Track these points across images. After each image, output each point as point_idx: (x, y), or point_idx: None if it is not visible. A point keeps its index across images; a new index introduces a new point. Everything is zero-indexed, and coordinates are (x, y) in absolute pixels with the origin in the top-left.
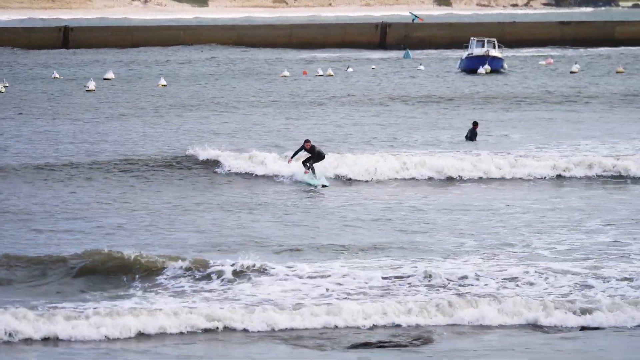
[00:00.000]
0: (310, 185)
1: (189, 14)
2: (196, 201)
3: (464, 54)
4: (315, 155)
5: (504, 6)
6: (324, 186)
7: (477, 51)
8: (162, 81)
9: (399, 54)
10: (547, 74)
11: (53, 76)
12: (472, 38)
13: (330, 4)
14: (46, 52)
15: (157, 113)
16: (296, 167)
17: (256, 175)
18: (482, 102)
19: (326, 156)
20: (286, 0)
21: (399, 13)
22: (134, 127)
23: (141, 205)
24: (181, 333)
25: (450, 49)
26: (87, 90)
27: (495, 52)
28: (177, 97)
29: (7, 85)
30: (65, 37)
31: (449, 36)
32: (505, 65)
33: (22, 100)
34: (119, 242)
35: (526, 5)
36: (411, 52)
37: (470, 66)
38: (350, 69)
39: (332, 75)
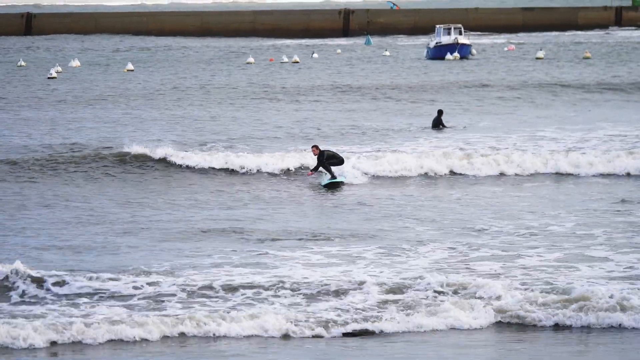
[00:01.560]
0: (330, 184)
1: (158, 2)
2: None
3: (430, 41)
4: (324, 162)
5: None
6: (337, 183)
7: (445, 39)
8: (129, 66)
9: (362, 40)
10: (515, 60)
11: (19, 64)
12: (438, 26)
13: None
14: (8, 38)
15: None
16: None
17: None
18: (455, 90)
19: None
20: None
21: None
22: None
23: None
24: None
25: (414, 35)
26: (49, 78)
27: (463, 39)
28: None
29: None
30: (28, 24)
31: (413, 22)
32: (474, 51)
33: None
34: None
35: None
36: (373, 40)
37: (438, 55)
38: (315, 55)
39: (297, 62)
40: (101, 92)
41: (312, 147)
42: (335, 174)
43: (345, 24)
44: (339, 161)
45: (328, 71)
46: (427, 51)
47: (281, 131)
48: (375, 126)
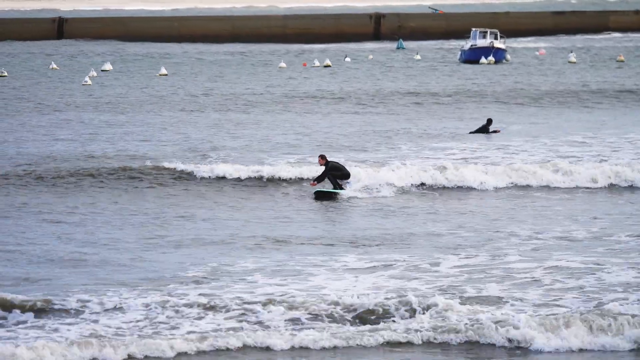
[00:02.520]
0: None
1: (185, 4)
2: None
3: (465, 44)
4: (329, 173)
5: None
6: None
7: (481, 42)
8: (163, 70)
9: (393, 44)
10: (548, 65)
11: (51, 67)
12: (473, 29)
13: None
14: (40, 42)
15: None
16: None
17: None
18: (496, 95)
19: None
20: None
21: (394, 4)
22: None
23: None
24: None
25: (444, 40)
26: (83, 85)
27: (498, 43)
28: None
29: (5, 74)
30: (60, 29)
31: (444, 27)
32: (508, 57)
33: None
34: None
35: None
36: (405, 43)
37: (473, 57)
38: (347, 59)
39: (329, 66)
40: (137, 97)
41: (319, 156)
42: (337, 187)
43: (376, 28)
44: (344, 174)
45: (362, 75)
46: (461, 54)
47: (344, 138)
48: (419, 131)
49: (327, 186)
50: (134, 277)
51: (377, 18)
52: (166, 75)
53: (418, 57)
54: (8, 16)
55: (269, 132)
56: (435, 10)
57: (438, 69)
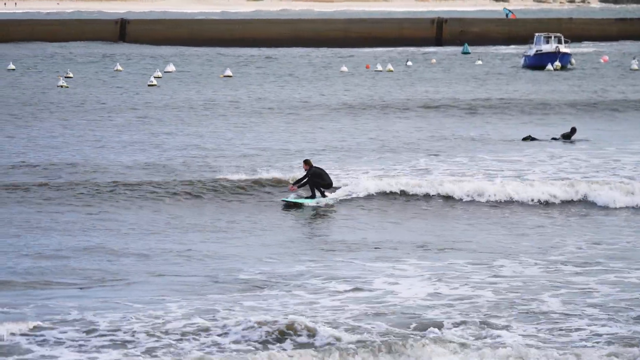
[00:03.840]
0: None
1: (246, 7)
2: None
3: (529, 50)
4: (311, 178)
5: (560, 2)
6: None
7: (546, 47)
8: (227, 72)
9: (456, 49)
10: (612, 70)
11: (115, 69)
12: (537, 34)
13: None
14: (104, 43)
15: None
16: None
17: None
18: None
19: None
20: None
21: (455, 9)
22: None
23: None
24: None
25: (506, 45)
26: (149, 85)
27: (564, 48)
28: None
29: (72, 76)
30: (122, 30)
31: (506, 32)
32: (573, 61)
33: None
34: None
35: (583, 2)
36: (470, 48)
37: (539, 63)
38: (409, 63)
39: (392, 71)
40: (208, 100)
41: (303, 161)
42: (315, 194)
43: (438, 33)
44: (327, 184)
45: (426, 80)
46: (525, 59)
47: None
48: (499, 137)
49: (302, 193)
50: None
51: (439, 23)
52: (230, 76)
53: (479, 62)
54: (70, 17)
55: (347, 137)
56: (509, 13)
57: (503, 74)
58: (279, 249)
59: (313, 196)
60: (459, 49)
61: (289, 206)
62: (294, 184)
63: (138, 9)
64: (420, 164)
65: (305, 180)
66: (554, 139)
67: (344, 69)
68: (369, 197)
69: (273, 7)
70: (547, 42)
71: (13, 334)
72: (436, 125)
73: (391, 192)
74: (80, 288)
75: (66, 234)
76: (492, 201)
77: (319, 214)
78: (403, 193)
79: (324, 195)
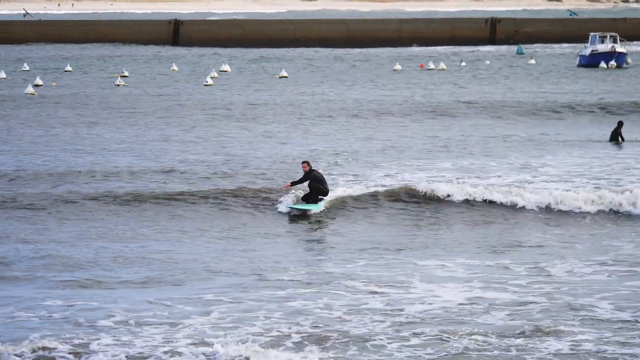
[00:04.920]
0: (301, 209)
1: (298, 8)
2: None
3: (584, 49)
4: (312, 181)
5: (615, 2)
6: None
7: (601, 47)
8: (283, 72)
9: (510, 48)
10: None
11: (172, 68)
12: (592, 34)
13: None
14: (157, 44)
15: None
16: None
17: None
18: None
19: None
20: None
21: (509, 8)
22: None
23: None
24: None
25: (559, 44)
26: (204, 85)
27: (619, 47)
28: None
29: (127, 75)
30: (176, 31)
31: (559, 32)
32: (629, 60)
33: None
34: None
35: (637, 1)
36: (524, 47)
37: (593, 62)
38: (463, 63)
39: (444, 69)
40: (267, 102)
41: (303, 162)
42: (313, 199)
43: (492, 33)
44: (324, 190)
45: (482, 80)
46: (580, 59)
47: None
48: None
49: (301, 199)
50: None
51: (493, 23)
52: (286, 77)
53: (532, 61)
54: (124, 18)
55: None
56: (573, 14)
57: (557, 74)
58: (329, 249)
59: (315, 201)
60: (513, 48)
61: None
62: (292, 183)
63: (192, 9)
64: (508, 167)
65: (304, 181)
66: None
67: (398, 67)
68: (449, 201)
69: (327, 6)
70: (603, 42)
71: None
72: (504, 126)
73: (478, 199)
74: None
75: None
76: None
77: (370, 215)
78: (491, 202)
79: (315, 202)
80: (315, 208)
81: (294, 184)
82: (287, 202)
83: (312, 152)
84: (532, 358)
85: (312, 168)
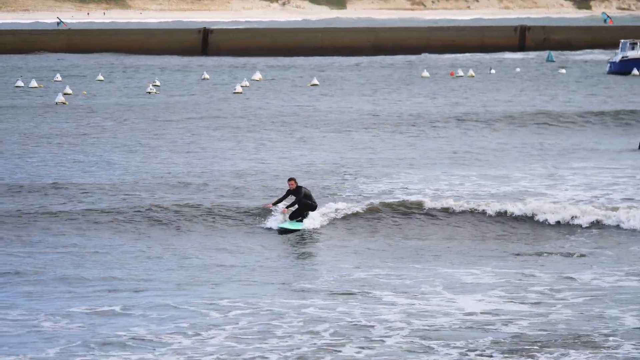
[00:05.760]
0: (288, 229)
1: (327, 16)
2: None
3: (614, 56)
4: (302, 199)
5: None
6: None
7: (632, 54)
8: (314, 80)
9: (539, 55)
10: None
11: (202, 77)
12: (622, 40)
13: (468, 7)
14: (187, 51)
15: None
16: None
17: None
18: None
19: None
20: (424, 3)
21: (538, 16)
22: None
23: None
24: None
25: (588, 51)
26: (234, 93)
27: None
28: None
29: (159, 84)
30: (205, 40)
31: (589, 39)
32: None
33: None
34: None
35: None
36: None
37: (624, 69)
38: (492, 71)
39: (473, 77)
40: (305, 109)
41: (290, 180)
42: (301, 216)
43: (521, 40)
44: (314, 205)
45: (512, 89)
46: (610, 66)
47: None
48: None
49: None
50: None
51: (522, 30)
52: (317, 85)
53: (563, 70)
54: (154, 27)
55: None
56: (607, 19)
57: (588, 81)
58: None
59: (302, 219)
60: (543, 54)
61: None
62: (275, 203)
63: (220, 18)
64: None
65: (296, 199)
66: None
67: (425, 74)
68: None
69: (354, 15)
70: (633, 49)
71: None
72: (530, 135)
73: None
74: None
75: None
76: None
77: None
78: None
79: (301, 219)
80: (301, 226)
81: (276, 203)
82: (278, 220)
83: (348, 160)
84: None
85: (299, 185)
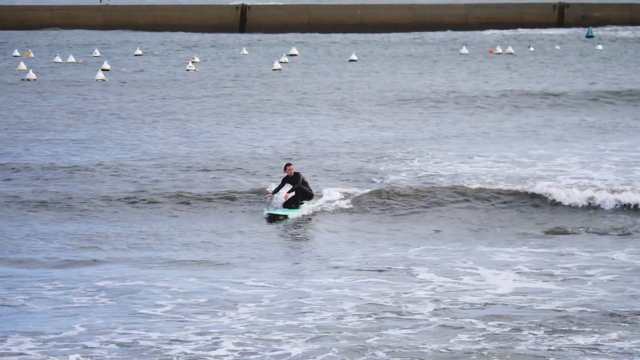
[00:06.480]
0: (279, 215)
1: None
2: None
3: None
4: (301, 186)
5: None
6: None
7: None
8: (353, 56)
9: (578, 31)
10: None
11: (242, 53)
12: None
13: None
14: (224, 28)
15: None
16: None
17: None
18: None
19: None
20: None
21: None
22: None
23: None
24: None
25: (628, 28)
26: (273, 70)
27: None
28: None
29: (198, 60)
30: (242, 16)
31: (628, 16)
32: None
33: (212, 81)
34: None
35: None
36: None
37: None
38: (531, 48)
39: (512, 54)
40: (343, 85)
41: (288, 165)
42: (297, 204)
43: (560, 18)
44: (310, 191)
45: (551, 67)
46: None
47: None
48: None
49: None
50: None
51: (561, 8)
52: (356, 60)
53: (600, 47)
54: (191, 2)
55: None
56: None
57: (629, 59)
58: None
59: (298, 206)
60: (581, 32)
61: (273, 218)
62: (288, 192)
63: None
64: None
65: (293, 185)
66: None
67: (465, 50)
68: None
69: None
70: None
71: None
72: (572, 114)
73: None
74: None
75: None
76: None
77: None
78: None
79: (299, 205)
80: (294, 213)
81: (276, 191)
82: (275, 205)
83: (389, 138)
84: (593, 350)
85: (297, 171)
